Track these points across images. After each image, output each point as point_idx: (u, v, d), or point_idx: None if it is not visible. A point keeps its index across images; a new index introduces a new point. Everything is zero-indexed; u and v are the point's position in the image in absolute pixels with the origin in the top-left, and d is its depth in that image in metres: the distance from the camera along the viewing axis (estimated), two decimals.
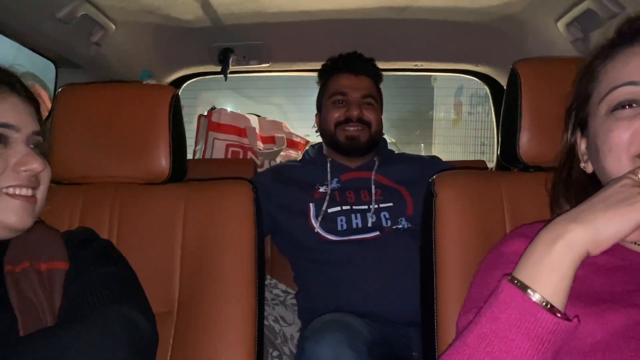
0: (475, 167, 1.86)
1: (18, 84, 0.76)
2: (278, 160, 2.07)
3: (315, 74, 1.67)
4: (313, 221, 1.40)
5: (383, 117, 1.58)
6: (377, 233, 1.37)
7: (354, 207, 1.42)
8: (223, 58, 1.87)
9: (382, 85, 1.61)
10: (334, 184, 1.47)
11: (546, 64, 0.95)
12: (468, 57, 1.97)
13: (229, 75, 1.92)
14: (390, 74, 2.02)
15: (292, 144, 2.20)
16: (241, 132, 2.07)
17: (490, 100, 2.14)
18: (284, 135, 2.17)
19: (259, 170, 1.88)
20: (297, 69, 2.10)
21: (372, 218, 1.39)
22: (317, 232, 1.38)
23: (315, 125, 1.64)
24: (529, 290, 0.53)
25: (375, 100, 1.54)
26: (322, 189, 1.45)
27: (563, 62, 0.92)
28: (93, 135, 1.01)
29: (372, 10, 1.63)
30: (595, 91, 0.68)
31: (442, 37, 1.80)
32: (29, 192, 0.73)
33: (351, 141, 1.49)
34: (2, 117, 0.71)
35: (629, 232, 0.53)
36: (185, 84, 2.15)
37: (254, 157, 2.03)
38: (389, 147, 1.67)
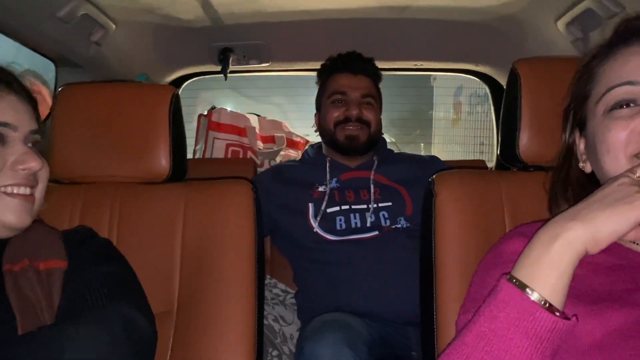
0: (475, 166, 1.86)
1: (15, 82, 0.75)
2: (278, 159, 2.07)
3: (315, 74, 1.67)
4: (312, 221, 1.40)
5: (383, 116, 1.58)
6: (376, 233, 1.37)
7: (352, 207, 1.42)
8: (223, 58, 1.87)
9: (381, 85, 1.62)
10: (333, 184, 1.47)
11: (546, 63, 0.95)
12: (468, 56, 1.97)
13: (228, 75, 1.92)
14: (390, 74, 2.02)
15: (292, 144, 2.20)
16: (241, 131, 2.07)
17: (490, 100, 2.14)
18: (283, 134, 2.17)
19: (259, 170, 1.88)
20: (297, 69, 2.10)
21: (371, 218, 1.40)
22: (316, 231, 1.38)
23: (315, 125, 1.64)
24: (527, 289, 0.53)
25: (375, 99, 1.54)
26: (321, 189, 1.46)
27: (563, 62, 0.92)
28: (93, 134, 1.01)
29: (372, 10, 1.63)
30: (593, 91, 0.69)
31: (442, 36, 1.80)
32: (27, 190, 0.73)
33: (350, 141, 1.49)
34: (0, 116, 0.71)
35: (627, 231, 0.53)
36: (185, 84, 2.15)
37: (254, 157, 2.03)
38: (389, 146, 1.67)
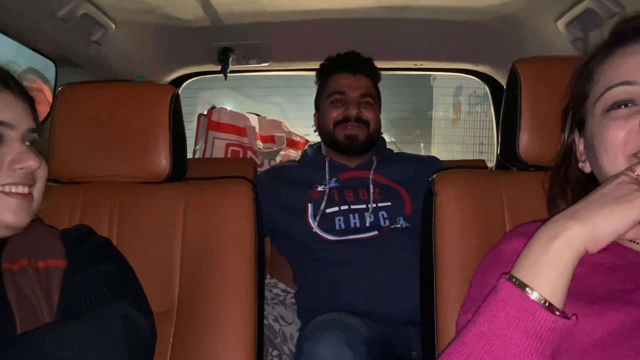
0: (475, 166, 1.86)
1: (12, 81, 0.75)
2: (278, 159, 2.07)
3: (315, 73, 1.67)
4: (311, 221, 1.40)
5: (382, 116, 1.58)
6: (375, 232, 1.37)
7: (352, 207, 1.42)
8: (223, 57, 1.87)
9: (381, 85, 1.61)
10: (333, 183, 1.47)
11: (546, 63, 0.95)
12: (468, 56, 1.97)
13: (228, 75, 1.92)
14: (389, 74, 2.02)
15: (291, 144, 2.20)
16: (241, 131, 2.07)
17: (490, 100, 2.14)
18: (283, 134, 2.17)
19: (259, 169, 1.88)
20: (297, 68, 2.09)
21: (370, 217, 1.40)
22: (315, 232, 1.38)
23: (314, 125, 1.64)
24: (527, 289, 0.53)
25: (374, 99, 1.54)
26: (320, 188, 1.46)
27: (563, 62, 0.92)
28: (93, 134, 1.01)
29: (372, 10, 1.63)
30: (591, 91, 0.69)
31: (442, 36, 1.80)
32: (25, 189, 0.73)
33: (350, 140, 1.49)
34: None
35: (627, 229, 0.53)
36: (185, 83, 2.15)
37: (253, 157, 2.03)
38: (389, 146, 1.67)
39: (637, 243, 0.66)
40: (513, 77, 0.93)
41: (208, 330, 0.90)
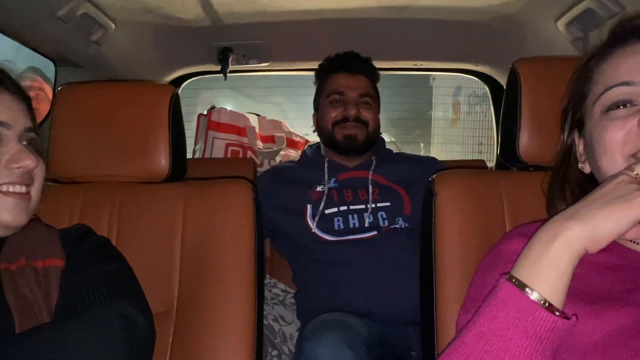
0: (475, 166, 1.86)
1: (8, 80, 0.75)
2: (278, 159, 2.07)
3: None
4: (309, 221, 1.40)
5: (382, 116, 1.58)
6: (375, 233, 1.37)
7: (351, 207, 1.42)
8: (223, 57, 1.87)
9: (381, 85, 1.61)
10: (332, 184, 1.47)
11: (546, 63, 0.95)
12: (468, 56, 1.97)
13: (228, 75, 1.91)
14: (389, 74, 2.02)
15: (291, 143, 2.20)
16: (241, 131, 2.07)
17: (490, 100, 2.14)
18: (283, 134, 2.17)
19: (259, 169, 1.88)
20: (297, 68, 2.09)
21: (369, 218, 1.39)
22: (314, 232, 1.38)
23: (313, 125, 1.64)
24: (527, 289, 0.53)
25: (373, 99, 1.54)
26: (319, 189, 1.45)
27: (563, 62, 0.92)
28: (93, 134, 1.01)
29: (371, 10, 1.63)
30: (590, 91, 0.69)
31: (442, 36, 1.80)
32: (23, 189, 0.73)
33: (349, 140, 1.49)
34: None
35: (626, 229, 0.53)
36: (185, 83, 2.15)
37: (253, 157, 2.03)
38: (388, 146, 1.67)
39: (637, 243, 0.66)
40: (513, 77, 0.93)
41: (207, 330, 0.90)
